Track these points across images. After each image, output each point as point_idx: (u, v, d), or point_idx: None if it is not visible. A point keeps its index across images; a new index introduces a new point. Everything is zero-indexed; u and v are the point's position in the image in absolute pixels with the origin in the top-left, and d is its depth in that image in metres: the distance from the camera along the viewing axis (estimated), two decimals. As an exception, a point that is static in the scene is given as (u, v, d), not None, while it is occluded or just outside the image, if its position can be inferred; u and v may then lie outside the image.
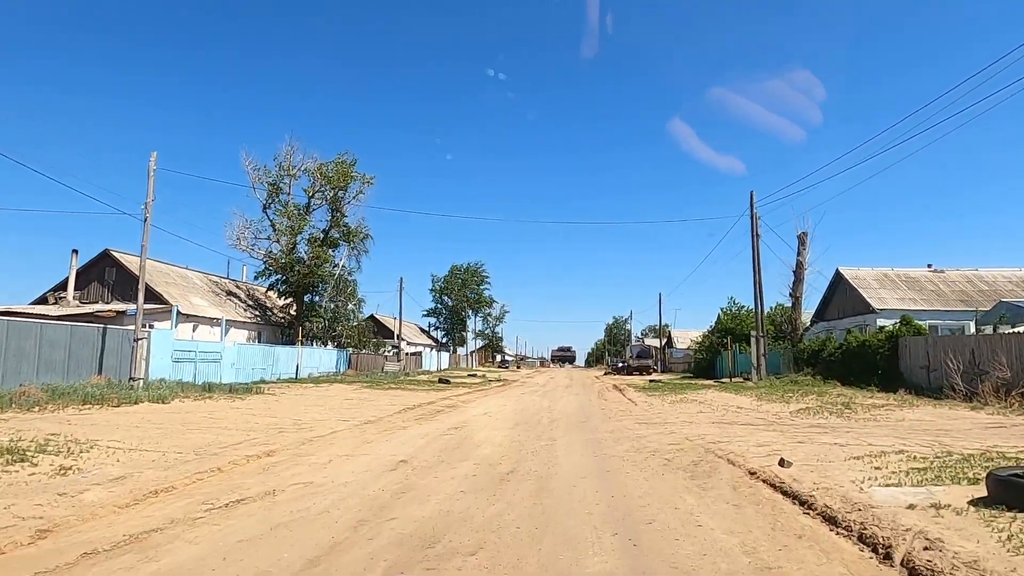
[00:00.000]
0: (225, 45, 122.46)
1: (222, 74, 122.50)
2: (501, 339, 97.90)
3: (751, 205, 24.80)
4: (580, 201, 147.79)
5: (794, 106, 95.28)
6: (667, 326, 70.12)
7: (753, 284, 25.41)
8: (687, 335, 70.55)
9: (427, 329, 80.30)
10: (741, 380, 29.56)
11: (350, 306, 38.43)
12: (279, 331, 35.35)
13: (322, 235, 34.91)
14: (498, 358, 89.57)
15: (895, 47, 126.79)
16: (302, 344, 32.17)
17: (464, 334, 79.92)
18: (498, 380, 36.10)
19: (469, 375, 42.78)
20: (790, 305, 29.95)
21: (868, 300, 27.24)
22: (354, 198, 34.41)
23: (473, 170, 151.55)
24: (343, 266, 37.50)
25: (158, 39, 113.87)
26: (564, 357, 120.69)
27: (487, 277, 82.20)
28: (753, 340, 24.91)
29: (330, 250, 34.80)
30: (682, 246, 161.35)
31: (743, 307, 42.28)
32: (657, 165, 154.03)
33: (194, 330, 28.52)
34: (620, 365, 57.52)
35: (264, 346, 28.56)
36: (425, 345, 69.49)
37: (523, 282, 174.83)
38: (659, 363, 57.71)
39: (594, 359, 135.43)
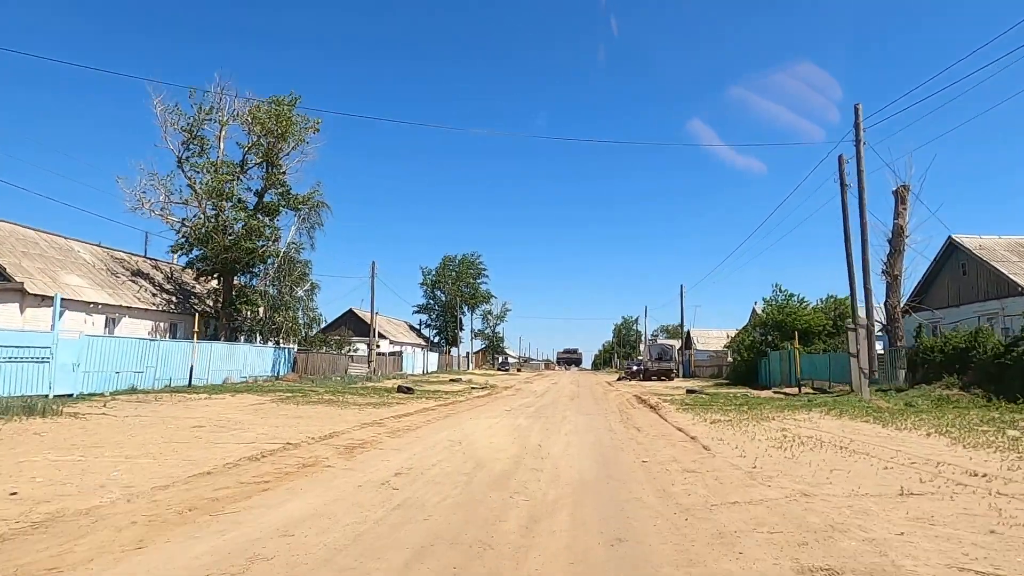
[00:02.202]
0: (222, 45, 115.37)
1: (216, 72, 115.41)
2: (502, 340, 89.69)
3: (856, 126, 16.29)
4: (587, 208, 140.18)
5: (812, 105, 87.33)
6: (679, 328, 61.83)
7: (851, 244, 16.97)
8: (709, 335, 62.16)
9: (418, 327, 72.24)
10: (814, 391, 21.29)
11: (299, 292, 30.28)
12: (205, 323, 27.30)
13: (255, 198, 26.82)
14: (498, 359, 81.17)
15: (910, 47, 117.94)
16: (201, 339, 23.86)
17: (458, 333, 71.57)
18: (484, 388, 27.90)
19: (452, 380, 34.66)
20: (884, 285, 21.50)
21: (1012, 279, 18.84)
22: (292, 149, 26.16)
23: (479, 172, 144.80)
24: (292, 241, 29.46)
25: (156, 38, 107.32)
26: (570, 360, 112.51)
27: (484, 270, 74.13)
28: (853, 336, 16.33)
29: (266, 218, 26.68)
30: (693, 249, 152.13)
31: (792, 295, 34.04)
32: (673, 166, 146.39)
33: (59, 317, 20.53)
34: (635, 368, 49.09)
35: (143, 340, 20.50)
36: (413, 344, 61.34)
37: (527, 282, 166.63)
38: (680, 366, 49.37)
39: (601, 362, 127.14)
